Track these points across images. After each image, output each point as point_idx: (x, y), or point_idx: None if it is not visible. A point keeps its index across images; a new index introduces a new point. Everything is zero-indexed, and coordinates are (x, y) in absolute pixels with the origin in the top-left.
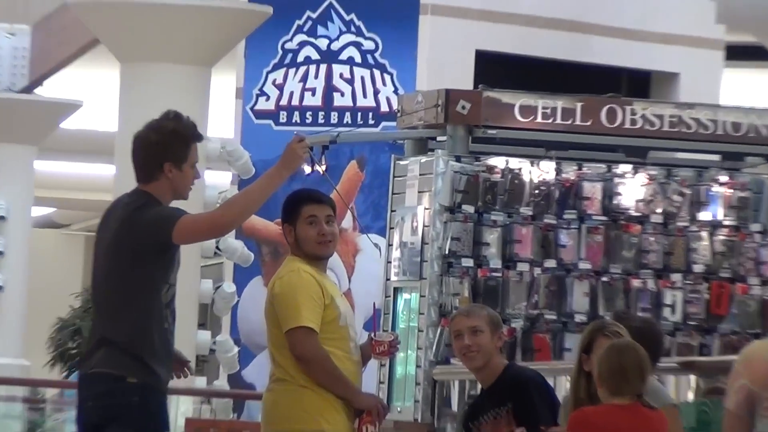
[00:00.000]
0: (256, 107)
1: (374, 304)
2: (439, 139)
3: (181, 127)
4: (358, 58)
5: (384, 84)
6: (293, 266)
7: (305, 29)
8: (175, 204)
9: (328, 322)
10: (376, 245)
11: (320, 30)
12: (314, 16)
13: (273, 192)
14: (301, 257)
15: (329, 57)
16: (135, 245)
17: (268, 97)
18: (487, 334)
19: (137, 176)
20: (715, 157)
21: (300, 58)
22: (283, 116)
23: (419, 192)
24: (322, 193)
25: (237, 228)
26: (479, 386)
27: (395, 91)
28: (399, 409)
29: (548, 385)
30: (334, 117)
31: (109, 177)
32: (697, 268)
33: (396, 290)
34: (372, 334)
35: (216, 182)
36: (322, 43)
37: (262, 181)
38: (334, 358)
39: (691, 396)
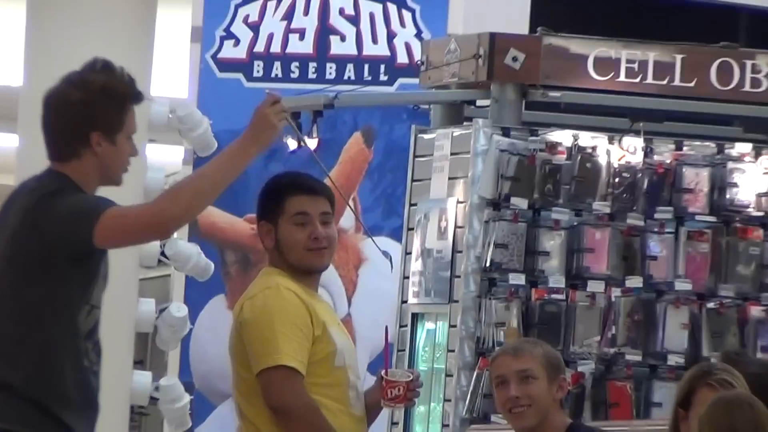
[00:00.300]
0: (221, 55)
1: (386, 329)
2: (479, 103)
3: (114, 83)
4: None
5: (402, 24)
6: (270, 281)
7: None
8: (102, 192)
9: (318, 360)
10: (385, 254)
11: None
12: None
13: (237, 176)
14: (282, 269)
15: None
16: (42, 249)
17: (238, 41)
18: (543, 381)
19: (50, 152)
20: None
21: None
22: (258, 68)
23: (450, 178)
24: (316, 180)
25: (188, 226)
26: None
27: (418, 35)
28: None
29: None
30: (330, 70)
31: (9, 151)
32: None
33: (416, 317)
34: (383, 372)
35: (162, 161)
36: None
37: (222, 161)
38: (326, 412)
39: None
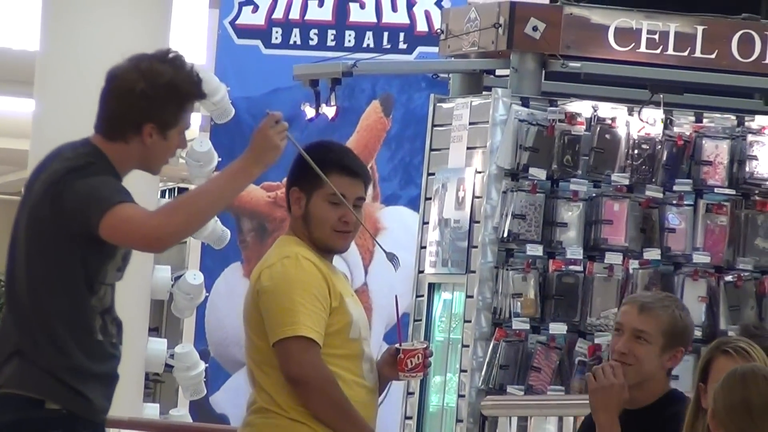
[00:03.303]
0: (239, 21)
1: (396, 300)
2: (498, 73)
3: (180, 80)
4: None
5: None
6: (289, 250)
7: None
8: (129, 182)
9: (334, 332)
10: (389, 256)
11: None
12: None
13: (237, 195)
14: (302, 239)
15: None
16: (54, 222)
17: (256, 8)
18: (656, 347)
19: (98, 125)
20: None
21: None
22: (276, 35)
23: (469, 148)
24: (360, 162)
25: None
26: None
27: (438, 3)
28: None
29: None
30: (349, 38)
31: (26, 116)
32: None
33: (432, 287)
34: (398, 345)
35: None
36: None
37: (223, 180)
38: (340, 382)
39: None
